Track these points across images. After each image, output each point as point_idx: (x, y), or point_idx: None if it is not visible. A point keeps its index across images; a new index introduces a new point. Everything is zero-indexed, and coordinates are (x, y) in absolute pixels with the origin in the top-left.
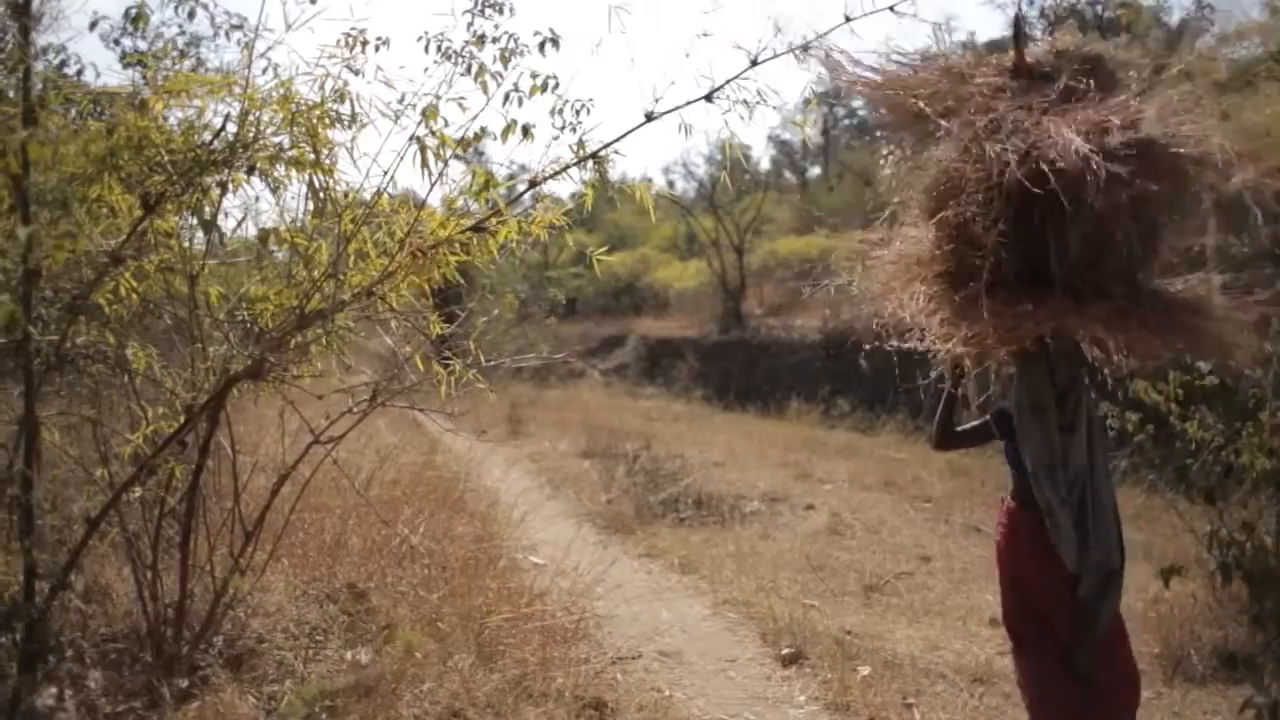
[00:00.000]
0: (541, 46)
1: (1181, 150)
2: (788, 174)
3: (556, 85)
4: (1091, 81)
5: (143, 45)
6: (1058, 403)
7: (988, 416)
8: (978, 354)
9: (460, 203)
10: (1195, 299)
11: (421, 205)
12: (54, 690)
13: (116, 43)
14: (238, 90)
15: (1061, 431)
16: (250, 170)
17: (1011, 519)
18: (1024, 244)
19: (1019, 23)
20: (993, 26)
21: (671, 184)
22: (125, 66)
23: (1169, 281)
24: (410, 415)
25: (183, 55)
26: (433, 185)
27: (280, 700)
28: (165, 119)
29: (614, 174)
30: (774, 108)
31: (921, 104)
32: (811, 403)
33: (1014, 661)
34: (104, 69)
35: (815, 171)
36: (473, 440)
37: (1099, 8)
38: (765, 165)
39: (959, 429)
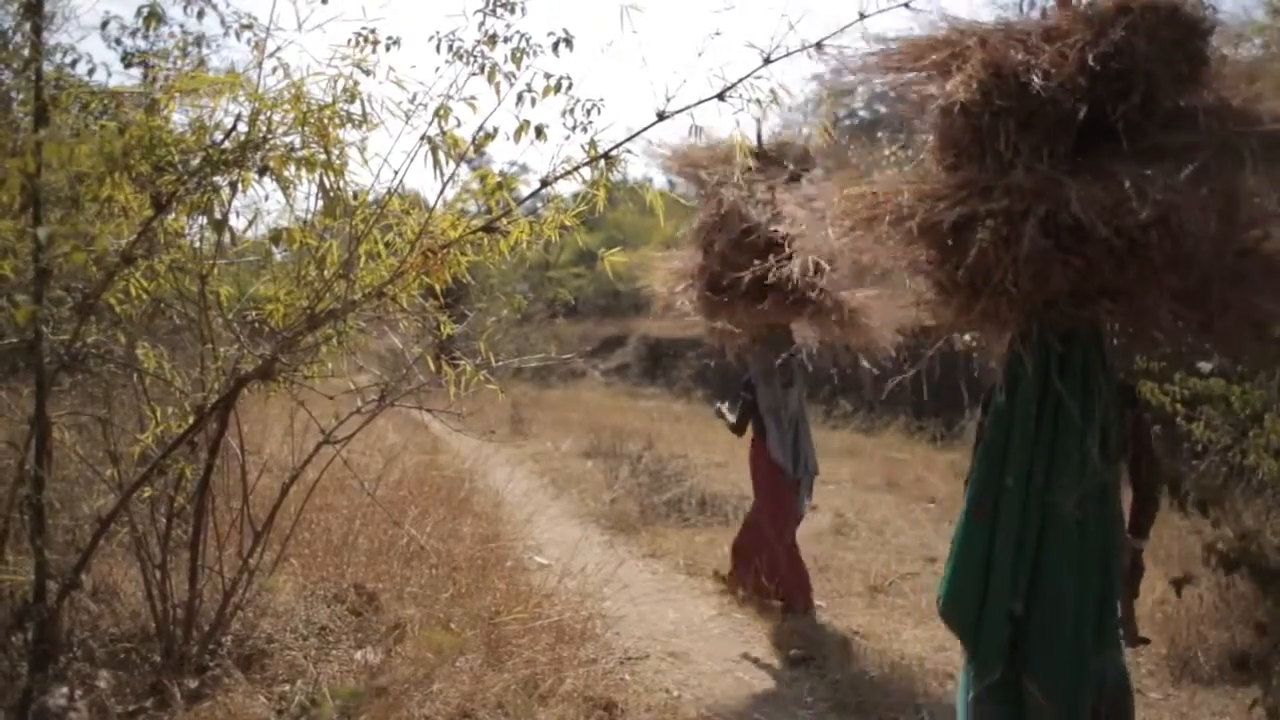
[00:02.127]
0: (555, 47)
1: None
2: None
3: (570, 86)
4: (804, 166)
5: (144, 45)
6: (780, 368)
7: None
8: (726, 336)
9: (470, 203)
10: (862, 303)
11: (434, 205)
12: (65, 690)
13: (118, 42)
14: (248, 90)
15: (783, 387)
16: (264, 171)
17: (754, 447)
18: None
19: (759, 127)
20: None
21: (672, 184)
22: (127, 66)
23: (850, 290)
24: (413, 415)
25: (184, 55)
26: (445, 186)
27: (291, 700)
28: (172, 119)
29: (622, 174)
30: (790, 108)
31: (703, 174)
32: (812, 403)
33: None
34: (104, 68)
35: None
36: (476, 440)
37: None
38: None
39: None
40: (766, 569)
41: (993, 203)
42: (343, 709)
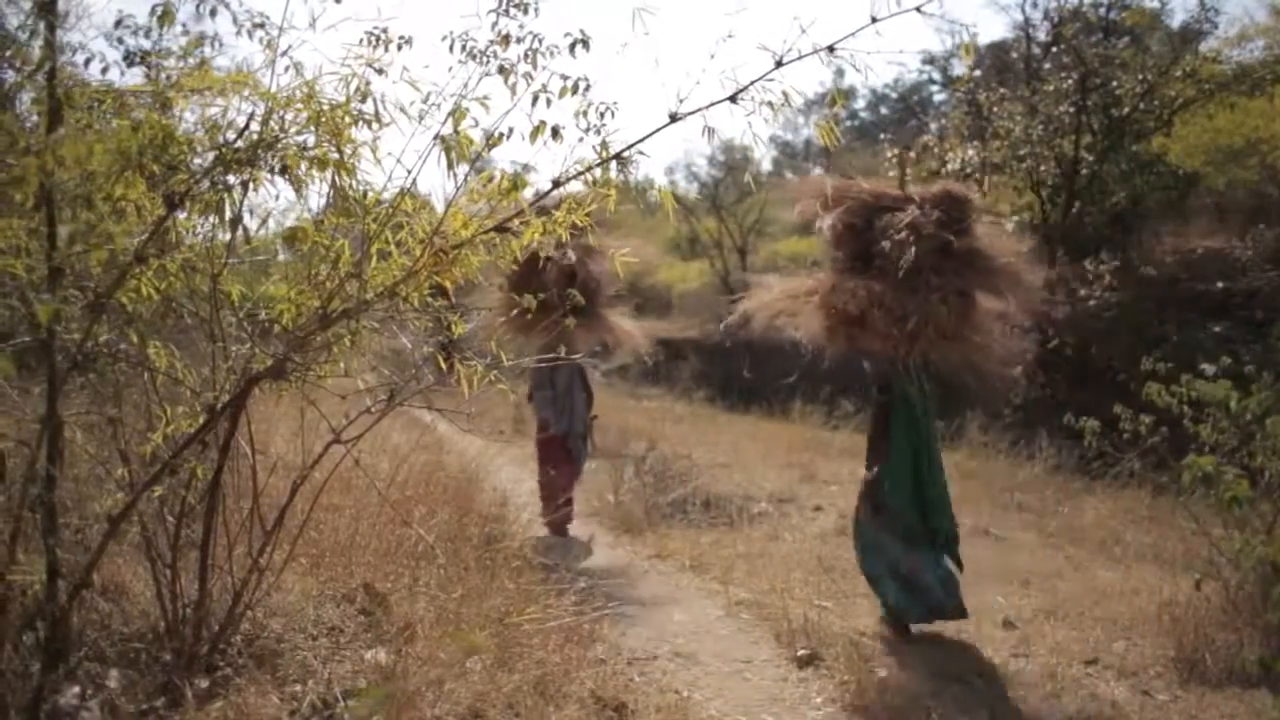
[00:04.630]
0: (572, 48)
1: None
2: (790, 175)
3: (589, 88)
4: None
5: (146, 44)
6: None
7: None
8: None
9: (481, 203)
10: (609, 315)
11: (448, 205)
12: (76, 689)
13: (120, 41)
14: (260, 89)
15: (552, 371)
16: (282, 171)
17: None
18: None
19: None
20: (994, 28)
21: (673, 184)
22: (130, 65)
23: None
24: (415, 415)
25: (187, 55)
26: (459, 188)
27: (303, 700)
28: (184, 118)
29: (635, 175)
30: (799, 109)
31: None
32: (814, 404)
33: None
34: (117, 66)
35: (818, 172)
36: (481, 440)
37: (1103, 10)
38: (767, 166)
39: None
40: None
41: (894, 296)
42: (371, 710)
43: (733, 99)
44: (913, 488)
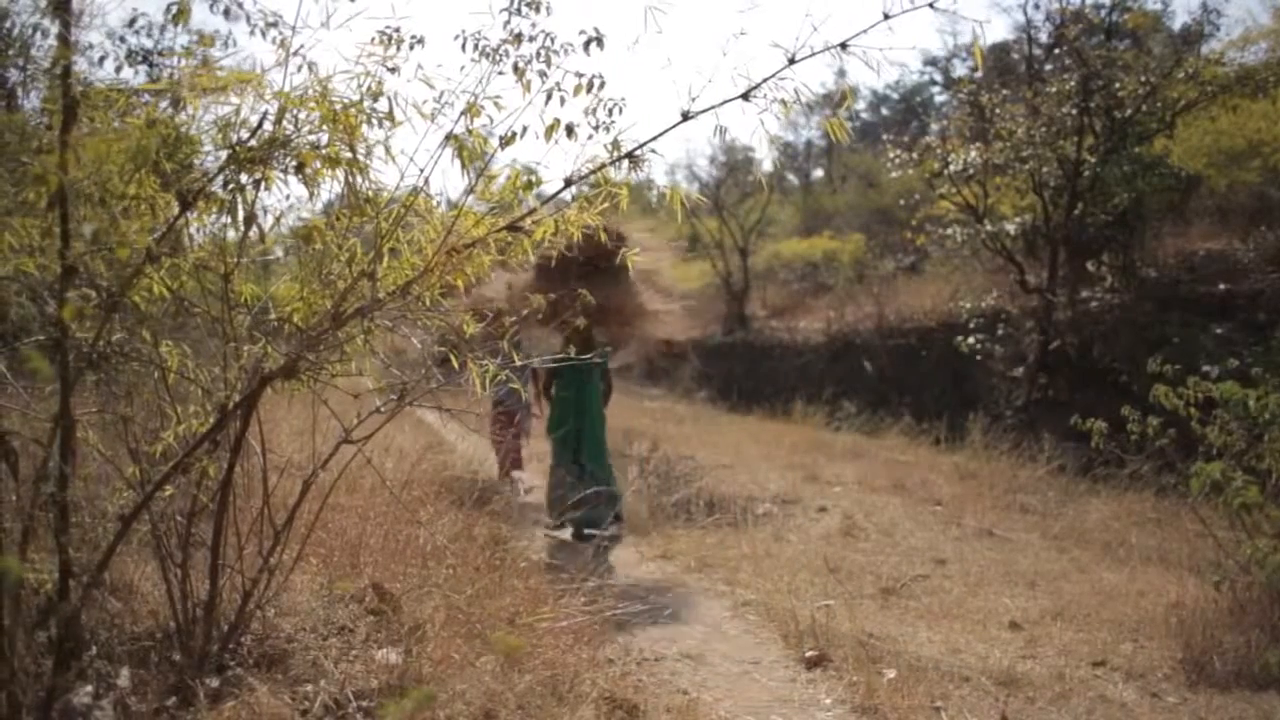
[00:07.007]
0: (586, 46)
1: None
2: (790, 176)
3: (603, 85)
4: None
5: (148, 43)
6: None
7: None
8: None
9: (494, 201)
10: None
11: (461, 204)
12: (88, 689)
13: (122, 40)
14: (260, 89)
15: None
16: (298, 169)
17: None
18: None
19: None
20: (996, 29)
21: (675, 184)
22: (133, 64)
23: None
24: (418, 415)
25: (188, 54)
26: (472, 186)
27: (314, 700)
28: (198, 116)
29: (647, 174)
30: (801, 109)
31: None
32: (816, 404)
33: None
34: (130, 66)
35: (818, 173)
36: (486, 440)
37: (1104, 11)
38: (768, 167)
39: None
40: (509, 458)
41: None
42: (365, 709)
43: (745, 96)
44: (569, 429)
